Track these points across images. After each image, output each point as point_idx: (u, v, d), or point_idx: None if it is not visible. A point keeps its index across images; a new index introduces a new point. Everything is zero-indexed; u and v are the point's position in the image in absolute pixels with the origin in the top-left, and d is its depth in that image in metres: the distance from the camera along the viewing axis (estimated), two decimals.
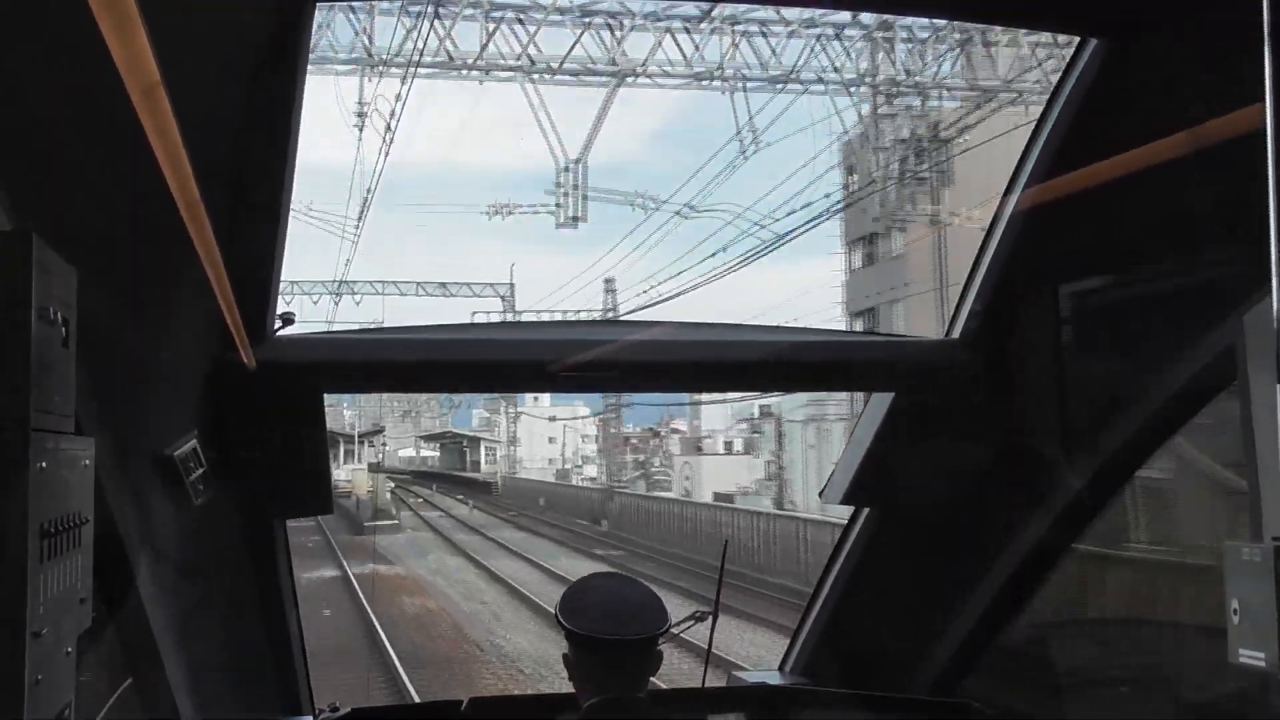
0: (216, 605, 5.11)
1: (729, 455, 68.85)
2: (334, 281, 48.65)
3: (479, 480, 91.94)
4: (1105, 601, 7.32)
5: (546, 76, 35.02)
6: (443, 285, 55.85)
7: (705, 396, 60.20)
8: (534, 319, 48.33)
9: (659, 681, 4.25)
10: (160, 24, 2.12)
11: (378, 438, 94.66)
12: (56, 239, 2.19)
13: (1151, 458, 5.08)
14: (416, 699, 22.38)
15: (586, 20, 34.04)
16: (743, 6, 33.95)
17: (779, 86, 33.83)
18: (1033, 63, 30.27)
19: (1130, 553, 7.33)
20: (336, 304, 49.58)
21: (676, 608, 4.07)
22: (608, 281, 55.89)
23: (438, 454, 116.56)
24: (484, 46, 33.56)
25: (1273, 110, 2.39)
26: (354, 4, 30.40)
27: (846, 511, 6.14)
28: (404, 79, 32.40)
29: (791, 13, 32.10)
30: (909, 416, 5.41)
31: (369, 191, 42.78)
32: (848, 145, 36.79)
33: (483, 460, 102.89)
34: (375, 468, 79.08)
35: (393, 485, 71.55)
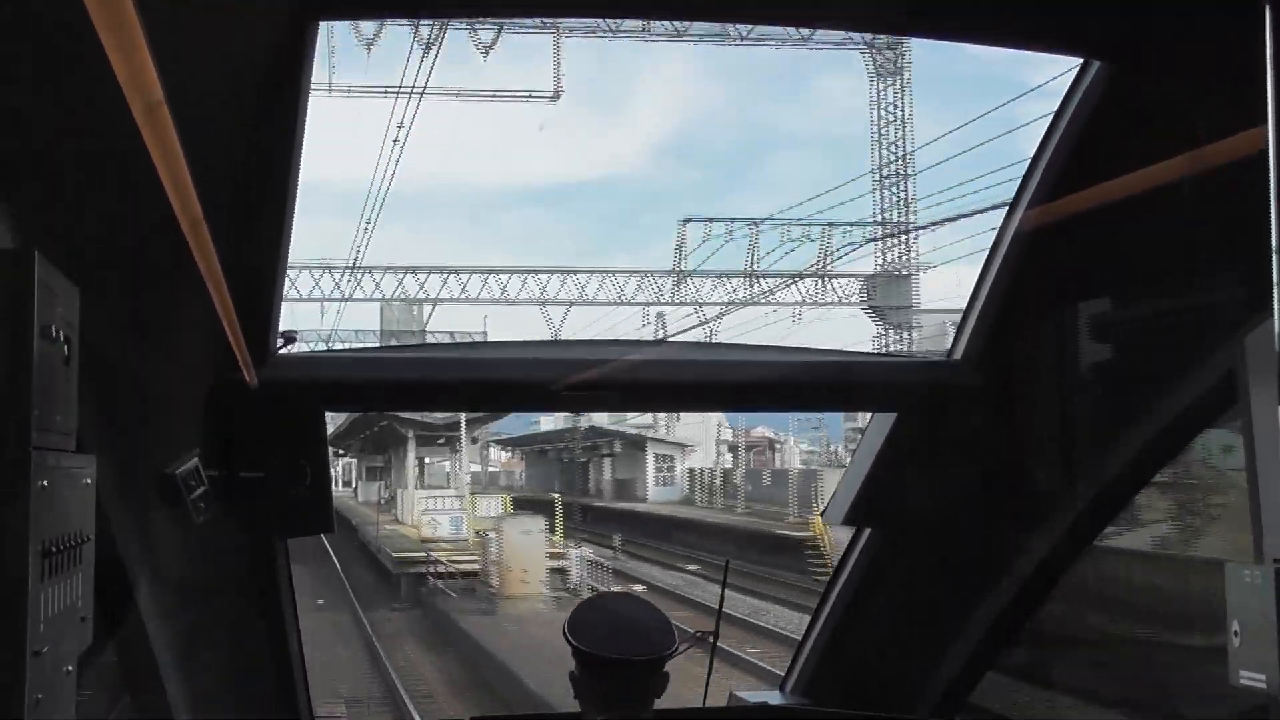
0: (217, 624, 5.10)
1: None
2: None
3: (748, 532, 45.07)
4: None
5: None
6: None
7: None
8: None
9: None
10: (163, 42, 2.13)
11: (485, 429, 62.09)
12: (60, 258, 2.19)
13: (1153, 478, 5.08)
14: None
15: None
16: None
17: None
18: None
19: None
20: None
21: None
22: None
23: (523, 467, 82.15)
24: None
25: (1274, 133, 2.40)
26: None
27: None
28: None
29: None
30: (912, 437, 5.41)
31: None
32: None
33: (650, 479, 62.19)
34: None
35: None
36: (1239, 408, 3.37)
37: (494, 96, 41.73)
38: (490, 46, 37.59)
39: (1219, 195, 3.57)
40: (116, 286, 3.19)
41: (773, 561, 41.17)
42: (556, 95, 41.00)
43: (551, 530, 39.83)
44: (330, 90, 37.75)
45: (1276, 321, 2.39)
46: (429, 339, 42.68)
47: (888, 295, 44.91)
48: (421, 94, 29.98)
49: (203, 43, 2.97)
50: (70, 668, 2.36)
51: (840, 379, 5.70)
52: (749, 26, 31.22)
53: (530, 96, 41.41)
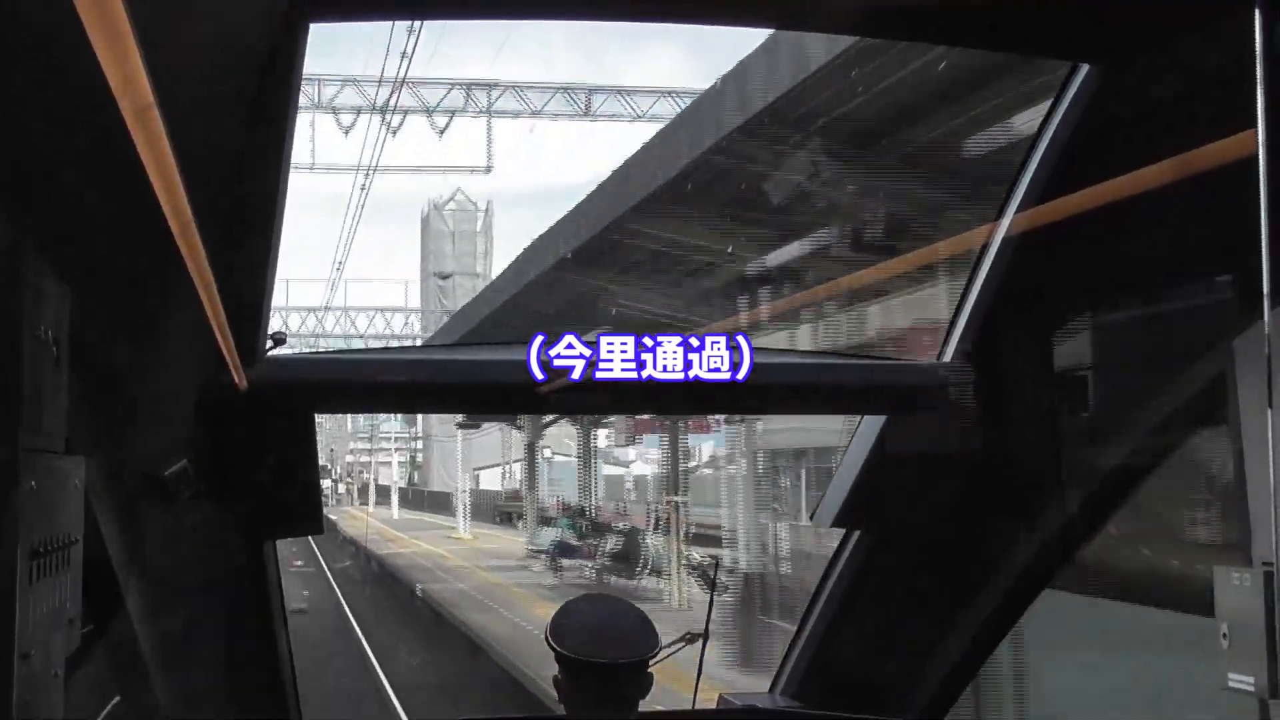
0: (206, 625, 5.09)
1: None
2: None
3: None
4: None
5: None
6: None
7: None
8: None
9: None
10: (154, 45, 2.12)
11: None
12: (50, 259, 2.19)
13: (1142, 482, 5.09)
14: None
15: None
16: None
17: None
18: None
19: None
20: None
21: None
22: None
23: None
24: None
25: (1265, 136, 2.40)
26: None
27: None
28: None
29: None
30: (901, 439, 5.41)
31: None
32: None
33: None
34: None
35: None
36: (1229, 411, 3.38)
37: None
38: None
39: (1209, 199, 3.58)
40: (106, 288, 3.19)
41: None
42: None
43: None
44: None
45: (1267, 325, 2.40)
46: None
47: None
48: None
49: (194, 45, 2.97)
50: (58, 670, 2.36)
51: (828, 381, 5.70)
52: None
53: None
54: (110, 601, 3.78)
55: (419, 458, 78.42)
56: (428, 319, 64.56)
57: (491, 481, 68.44)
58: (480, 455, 68.11)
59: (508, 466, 63.38)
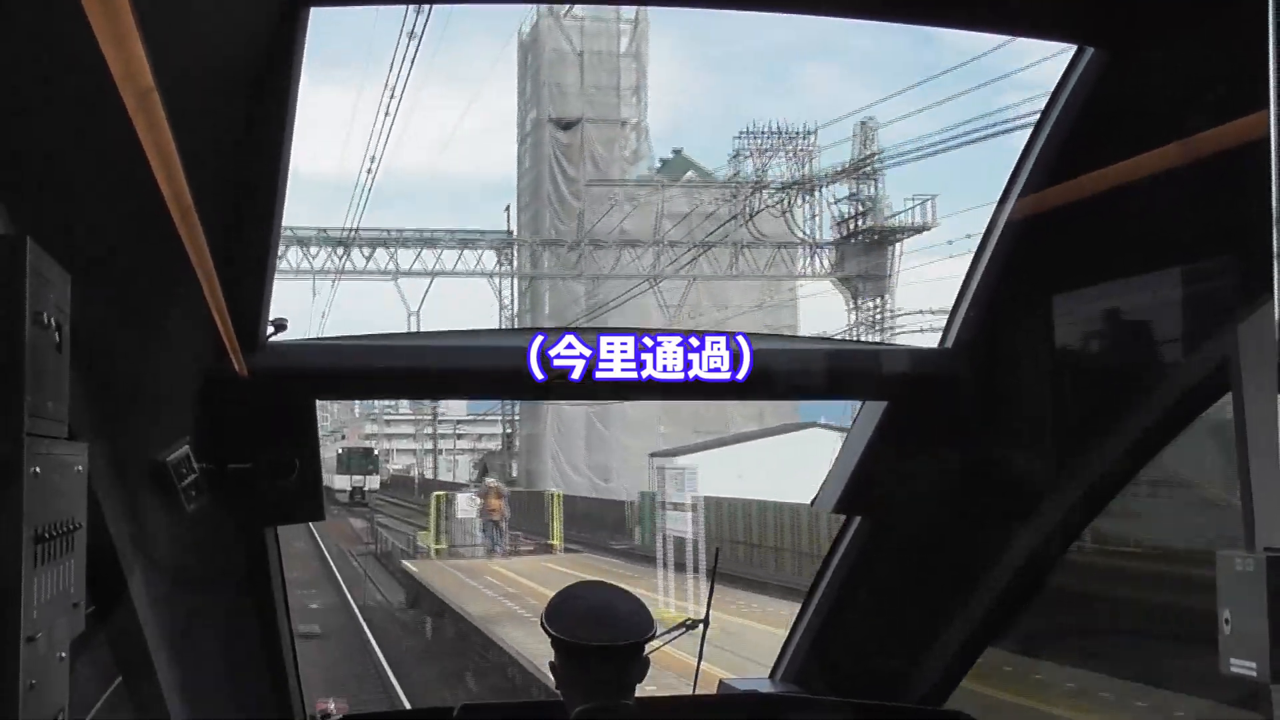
0: (208, 610, 5.10)
1: None
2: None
3: None
4: None
5: None
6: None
7: None
8: None
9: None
10: (155, 31, 2.12)
11: None
12: (52, 245, 2.19)
13: (1144, 467, 5.09)
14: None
15: None
16: None
17: None
18: None
19: None
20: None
21: None
22: None
23: None
24: None
25: (1276, 121, 2.39)
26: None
27: None
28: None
29: None
30: (902, 425, 5.41)
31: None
32: None
33: None
34: None
35: None
36: (1232, 396, 3.38)
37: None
38: None
39: (1212, 183, 3.57)
40: (109, 274, 3.19)
41: None
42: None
43: None
44: None
45: (1276, 309, 2.38)
46: None
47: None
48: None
49: (194, 30, 2.97)
50: (63, 654, 2.36)
51: (830, 367, 5.70)
52: None
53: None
54: (113, 586, 3.78)
55: (516, 443, 53.74)
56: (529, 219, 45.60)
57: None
58: (630, 432, 38.19)
59: None
